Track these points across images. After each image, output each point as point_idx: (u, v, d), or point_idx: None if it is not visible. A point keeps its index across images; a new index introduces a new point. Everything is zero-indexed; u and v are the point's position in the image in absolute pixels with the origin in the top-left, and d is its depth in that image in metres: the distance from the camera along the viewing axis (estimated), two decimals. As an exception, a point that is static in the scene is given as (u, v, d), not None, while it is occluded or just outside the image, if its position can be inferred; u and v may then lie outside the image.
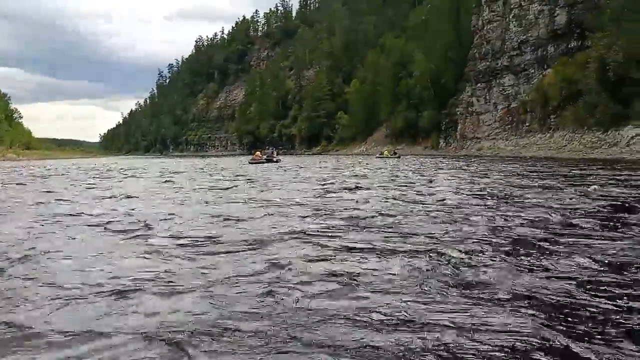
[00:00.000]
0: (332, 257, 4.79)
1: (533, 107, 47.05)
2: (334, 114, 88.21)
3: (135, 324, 3.12)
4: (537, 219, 6.90)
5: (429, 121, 62.38)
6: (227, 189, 13.70)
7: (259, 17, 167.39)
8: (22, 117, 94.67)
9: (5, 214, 8.69)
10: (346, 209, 8.40)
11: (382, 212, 7.96)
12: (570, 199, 9.34)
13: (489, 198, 9.88)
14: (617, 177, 14.64)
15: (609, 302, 3.41)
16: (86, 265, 4.66)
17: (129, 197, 11.45)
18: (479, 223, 6.68)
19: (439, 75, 61.49)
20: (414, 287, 3.81)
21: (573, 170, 19.09)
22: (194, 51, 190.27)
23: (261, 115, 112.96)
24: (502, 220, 6.93)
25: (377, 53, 78.82)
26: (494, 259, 4.67)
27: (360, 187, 13.09)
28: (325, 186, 13.89)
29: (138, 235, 6.14)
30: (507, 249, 5.08)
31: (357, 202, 9.48)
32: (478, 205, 8.76)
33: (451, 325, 3.03)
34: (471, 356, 2.65)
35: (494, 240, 5.53)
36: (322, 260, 4.68)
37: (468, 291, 3.70)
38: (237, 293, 3.72)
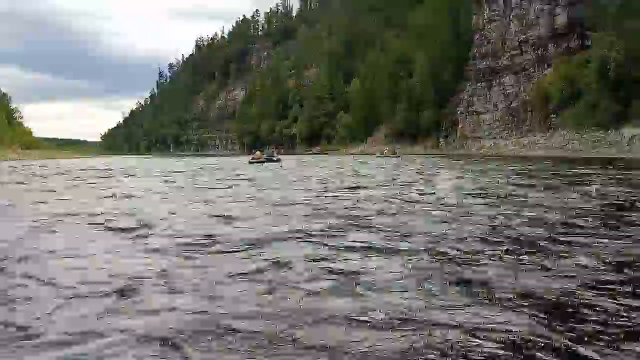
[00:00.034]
0: (333, 257, 4.78)
1: (533, 106, 47.05)
2: (335, 113, 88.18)
3: (135, 323, 3.11)
4: (537, 218, 6.89)
5: (429, 120, 62.34)
6: (227, 188, 13.69)
7: (259, 16, 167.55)
8: (22, 117, 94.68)
9: (6, 214, 8.69)
10: (346, 208, 8.39)
11: (383, 211, 7.96)
12: (571, 198, 9.33)
13: (490, 197, 9.87)
14: (618, 177, 14.62)
15: (610, 301, 3.40)
16: (86, 265, 4.65)
17: (129, 196, 11.45)
18: (480, 222, 6.67)
19: (439, 74, 61.42)
20: (415, 286, 3.80)
21: (573, 169, 19.07)
22: (194, 50, 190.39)
23: (262, 114, 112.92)
24: (503, 219, 6.92)
25: (377, 52, 78.78)
26: (495, 258, 4.66)
27: (361, 187, 13.08)
28: (325, 185, 13.88)
29: (138, 235, 6.13)
30: (507, 248, 5.07)
31: (357, 201, 9.48)
32: (478, 204, 8.75)
33: (452, 324, 3.02)
34: (472, 355, 2.64)
35: (494, 239, 5.52)
36: (323, 259, 4.67)
37: (469, 290, 3.70)
38: (237, 293, 3.71)
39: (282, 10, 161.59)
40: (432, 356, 2.64)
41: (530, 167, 22.11)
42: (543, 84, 45.22)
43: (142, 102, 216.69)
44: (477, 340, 2.81)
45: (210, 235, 5.92)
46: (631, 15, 33.53)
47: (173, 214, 8.05)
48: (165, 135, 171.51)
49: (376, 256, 4.80)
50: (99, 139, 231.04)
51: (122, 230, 6.52)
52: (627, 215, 7.28)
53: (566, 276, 4.00)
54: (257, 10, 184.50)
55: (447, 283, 3.88)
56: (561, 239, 5.44)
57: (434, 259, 4.66)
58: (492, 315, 3.17)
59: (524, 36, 50.13)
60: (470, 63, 58.55)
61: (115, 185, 15.51)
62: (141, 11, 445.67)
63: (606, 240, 5.32)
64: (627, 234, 5.77)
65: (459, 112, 58.97)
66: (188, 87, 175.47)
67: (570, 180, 13.93)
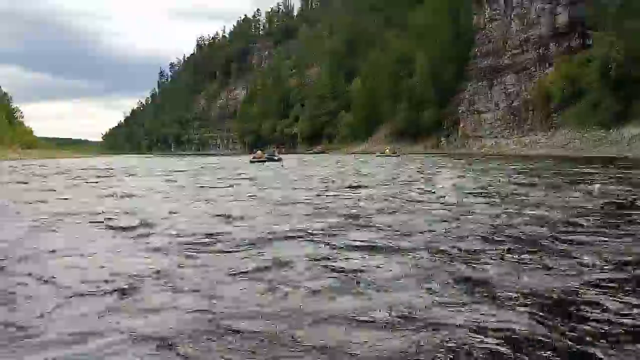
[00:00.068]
0: (334, 256, 4.77)
1: (535, 105, 46.96)
2: (336, 112, 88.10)
3: (135, 323, 3.10)
4: (539, 217, 6.87)
5: (430, 120, 62.24)
6: (229, 187, 13.69)
7: (260, 15, 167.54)
8: (23, 117, 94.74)
9: (7, 213, 8.69)
10: (347, 207, 8.38)
11: (384, 210, 7.95)
12: (573, 197, 9.31)
13: (491, 196, 9.85)
14: (619, 176, 14.60)
15: (612, 299, 3.39)
16: (87, 264, 4.65)
17: (130, 195, 11.45)
18: (481, 221, 6.66)
19: (440, 73, 61.31)
20: (416, 285, 3.80)
21: (575, 168, 19.05)
22: (195, 50, 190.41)
23: (263, 114, 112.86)
24: (504, 218, 6.91)
25: (378, 52, 78.68)
26: (496, 256, 4.65)
27: (362, 186, 13.07)
28: (326, 184, 13.87)
29: (139, 234, 6.12)
30: (509, 246, 5.05)
31: (358, 200, 9.47)
32: (480, 203, 8.73)
33: (454, 323, 3.01)
34: (474, 354, 2.63)
35: (496, 238, 5.50)
36: (324, 258, 4.66)
37: (470, 289, 3.69)
38: (238, 292, 3.70)
39: (283, 10, 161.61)
40: (433, 356, 2.63)
41: (531, 166, 22.08)
42: (544, 83, 45.11)
43: (143, 102, 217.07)
44: (479, 339, 2.79)
45: (211, 235, 5.91)
46: (631, 15, 33.49)
47: (174, 213, 8.05)
48: (167, 135, 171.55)
49: (377, 255, 4.78)
50: (100, 139, 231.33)
51: (123, 229, 6.52)
52: (628, 214, 7.26)
53: (568, 275, 3.99)
54: (258, 9, 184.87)
55: (449, 282, 3.86)
56: (563, 237, 5.42)
57: (435, 258, 4.64)
58: (494, 314, 3.15)
59: (525, 35, 50.01)
60: (472, 62, 58.43)
61: (116, 185, 15.51)
62: (141, 11, 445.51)
63: (608, 239, 5.30)
64: (629, 232, 5.75)
65: (460, 112, 58.86)
66: (189, 87, 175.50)
67: (572, 179, 13.90)
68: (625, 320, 3.05)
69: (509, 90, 52.48)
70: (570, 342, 2.76)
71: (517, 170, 18.86)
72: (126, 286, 3.84)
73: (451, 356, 2.62)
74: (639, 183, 12.27)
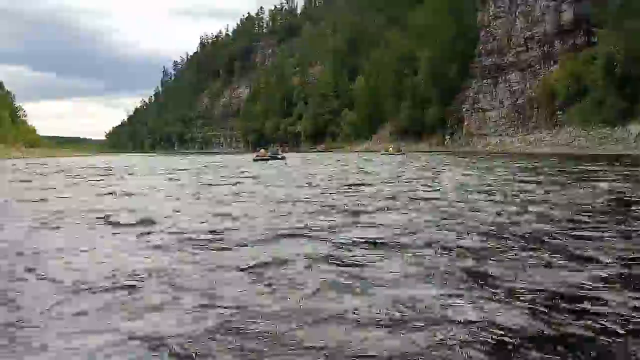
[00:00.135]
0: (337, 254, 4.73)
1: (539, 103, 46.81)
2: (339, 111, 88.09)
3: (135, 322, 3.07)
4: (544, 214, 6.83)
5: (434, 118, 62.16)
6: (232, 185, 13.68)
7: (263, 14, 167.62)
8: (26, 115, 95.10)
9: (8, 212, 8.68)
10: (351, 205, 8.35)
11: (387, 208, 7.92)
12: (578, 194, 9.26)
13: (495, 194, 9.80)
14: (625, 173, 14.51)
15: (617, 295, 3.36)
16: (87, 262, 4.63)
17: (133, 194, 11.44)
18: (485, 218, 6.62)
19: (444, 71, 61.20)
20: (420, 283, 3.76)
21: (580, 166, 18.96)
22: (199, 48, 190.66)
23: (266, 112, 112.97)
24: (509, 215, 6.87)
25: (381, 50, 78.60)
26: (501, 253, 4.61)
27: (365, 184, 13.03)
28: (330, 183, 13.84)
29: (141, 232, 6.10)
30: (513, 244, 5.03)
31: (362, 198, 9.43)
32: (484, 200, 8.70)
33: (456, 321, 2.97)
34: (478, 351, 2.59)
35: (500, 235, 5.47)
36: (326, 256, 4.62)
37: (474, 286, 3.66)
38: (238, 292, 3.66)
39: (287, 8, 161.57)
40: (435, 354, 2.58)
41: (536, 164, 21.99)
42: (549, 81, 44.97)
43: (147, 100, 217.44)
44: (482, 336, 2.76)
45: (213, 233, 5.90)
46: (631, 15, 33.40)
47: (177, 211, 8.04)
48: (170, 133, 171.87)
49: (380, 253, 4.75)
50: (100, 137, 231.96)
51: (125, 228, 6.52)
52: (634, 211, 7.25)
53: (572, 271, 3.96)
54: (261, 7, 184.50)
55: (452, 279, 3.83)
56: (567, 234, 5.39)
57: (439, 255, 4.61)
58: (497, 311, 3.12)
59: (530, 33, 49.85)
60: (476, 60, 58.27)
61: (120, 183, 15.52)
62: (142, 10, 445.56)
63: (612, 236, 5.27)
64: (634, 229, 5.74)
65: (464, 109, 58.74)
66: (192, 85, 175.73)
67: (577, 176, 13.84)
68: (629, 316, 3.02)
69: (513, 88, 52.33)
70: (573, 338, 2.74)
71: (521, 168, 18.80)
72: (126, 285, 3.82)
73: (453, 354, 2.58)
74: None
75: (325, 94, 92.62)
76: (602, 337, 2.74)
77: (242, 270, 4.22)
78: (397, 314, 3.10)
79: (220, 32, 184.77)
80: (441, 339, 2.73)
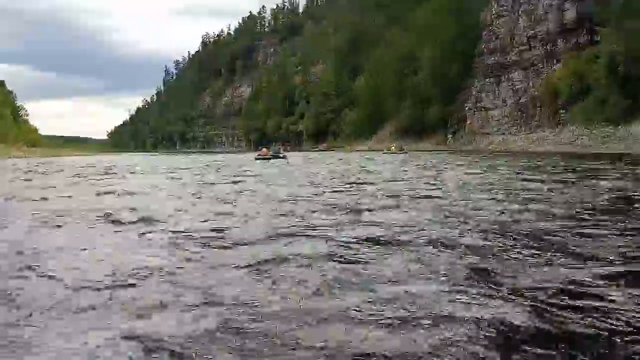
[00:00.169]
0: (338, 253, 4.71)
1: (542, 102, 46.72)
2: (341, 110, 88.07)
3: (135, 322, 3.05)
4: (546, 212, 6.81)
5: (435, 117, 62.10)
6: (234, 183, 13.68)
7: (265, 12, 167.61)
8: (28, 115, 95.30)
9: (9, 210, 8.67)
10: (352, 203, 8.33)
11: (389, 206, 7.89)
12: (581, 192, 9.24)
13: (498, 192, 9.78)
14: (627, 172, 14.47)
15: (620, 294, 3.34)
16: (88, 261, 4.62)
17: (134, 193, 11.45)
18: (487, 216, 6.61)
19: (446, 70, 61.13)
20: (421, 281, 3.73)
21: (583, 164, 18.92)
22: (200, 47, 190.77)
23: (268, 111, 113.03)
24: (511, 213, 6.85)
25: (383, 49, 78.53)
26: (503, 251, 4.59)
27: (367, 182, 13.02)
28: (331, 181, 13.83)
29: (141, 231, 6.09)
30: (515, 241, 5.01)
31: (363, 197, 9.42)
32: (486, 199, 8.68)
33: (457, 320, 2.94)
34: (480, 350, 2.56)
35: (502, 233, 5.45)
36: (328, 255, 4.60)
37: (476, 283, 3.63)
38: (239, 291, 3.63)
39: (289, 7, 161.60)
40: (436, 353, 2.55)
41: (539, 162, 21.96)
42: (552, 80, 44.87)
43: (148, 100, 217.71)
44: (484, 335, 2.73)
45: (215, 232, 5.88)
46: (631, 15, 33.33)
47: (178, 210, 8.04)
48: (172, 133, 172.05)
49: (382, 251, 4.73)
50: (101, 137, 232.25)
51: (126, 226, 6.51)
52: (637, 209, 7.29)
53: (573, 268, 3.95)
54: (263, 6, 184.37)
55: (454, 278, 3.81)
56: (571, 232, 5.37)
57: (441, 253, 4.59)
58: (499, 309, 3.10)
59: (533, 31, 49.76)
60: (479, 59, 58.21)
61: (122, 182, 15.53)
62: (142, 9, 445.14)
63: (614, 233, 5.25)
64: (637, 226, 5.73)
65: (467, 108, 58.66)
66: (194, 84, 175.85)
67: (580, 175, 13.81)
68: (631, 313, 3.01)
69: (516, 87, 52.24)
70: (576, 335, 2.73)
71: (524, 167, 18.78)
72: (127, 284, 3.81)
73: (456, 352, 2.55)
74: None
75: (327, 93, 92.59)
76: (604, 334, 2.73)
77: (243, 268, 4.20)
78: (399, 312, 3.08)
79: (222, 31, 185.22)
80: (443, 337, 2.71)
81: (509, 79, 53.17)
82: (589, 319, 2.95)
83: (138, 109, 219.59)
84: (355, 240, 5.23)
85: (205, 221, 6.77)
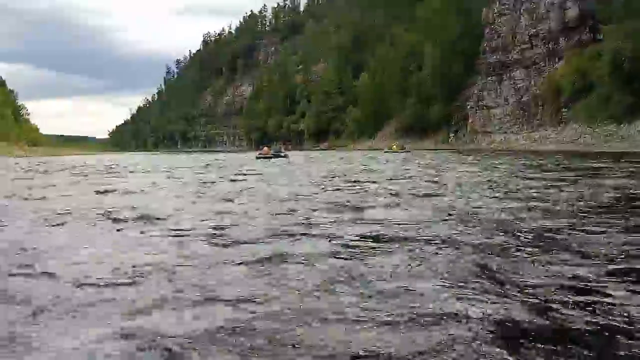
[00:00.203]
0: (340, 250, 4.70)
1: (544, 100, 46.63)
2: (343, 108, 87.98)
3: (134, 321, 3.04)
4: (547, 211, 6.80)
5: (438, 115, 62.04)
6: (235, 182, 13.67)
7: (266, 11, 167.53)
8: (29, 114, 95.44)
9: (10, 210, 8.66)
10: (354, 202, 8.32)
11: (390, 205, 7.87)
12: (583, 191, 9.21)
13: (500, 191, 9.77)
14: (630, 170, 14.43)
15: (622, 291, 3.33)
16: (88, 260, 4.60)
17: (135, 192, 11.45)
18: (489, 215, 6.59)
19: (449, 68, 61.09)
20: (422, 280, 3.71)
21: (585, 163, 18.88)
22: (201, 46, 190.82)
23: (269, 110, 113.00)
24: (512, 212, 6.82)
25: (386, 46, 78.46)
26: (504, 249, 4.58)
27: (369, 181, 13.01)
28: (333, 180, 13.82)
29: (142, 230, 6.08)
30: (517, 239, 4.99)
31: (364, 195, 9.41)
32: (489, 197, 8.66)
33: (457, 319, 2.93)
34: (482, 349, 2.54)
35: (504, 231, 5.43)
36: (329, 253, 4.59)
37: (477, 282, 3.62)
38: (238, 291, 3.61)
39: (290, 5, 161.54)
40: (438, 351, 2.54)
41: (541, 161, 21.93)
42: (554, 78, 44.75)
43: (149, 99, 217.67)
44: (485, 334, 2.72)
45: (215, 230, 5.87)
46: (631, 15, 33.28)
47: (179, 209, 8.02)
48: (173, 132, 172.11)
49: (383, 249, 4.72)
50: (102, 136, 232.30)
51: (127, 225, 6.49)
52: (639, 207, 7.20)
53: (575, 266, 3.94)
54: (264, 5, 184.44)
55: (456, 275, 3.79)
56: (573, 230, 5.36)
57: (442, 252, 4.58)
58: (502, 306, 3.09)
59: (535, 30, 49.68)
60: (481, 57, 58.13)
61: (122, 181, 15.53)
62: (142, 9, 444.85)
63: (616, 231, 5.24)
64: (637, 224, 5.73)
65: (469, 107, 58.60)
66: (195, 83, 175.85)
67: (582, 173, 13.77)
68: (634, 310, 3.00)
69: (518, 85, 52.16)
70: (578, 332, 2.73)
71: (526, 166, 18.75)
72: (127, 282, 3.80)
73: (458, 350, 2.54)
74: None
75: (329, 91, 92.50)
76: (607, 331, 2.73)
77: (243, 267, 4.19)
78: (400, 311, 3.06)
79: (223, 29, 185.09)
80: (446, 335, 2.70)
81: (511, 77, 53.09)
82: (592, 316, 2.94)
83: (139, 108, 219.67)
84: (356, 238, 5.22)
85: (205, 220, 6.76)
